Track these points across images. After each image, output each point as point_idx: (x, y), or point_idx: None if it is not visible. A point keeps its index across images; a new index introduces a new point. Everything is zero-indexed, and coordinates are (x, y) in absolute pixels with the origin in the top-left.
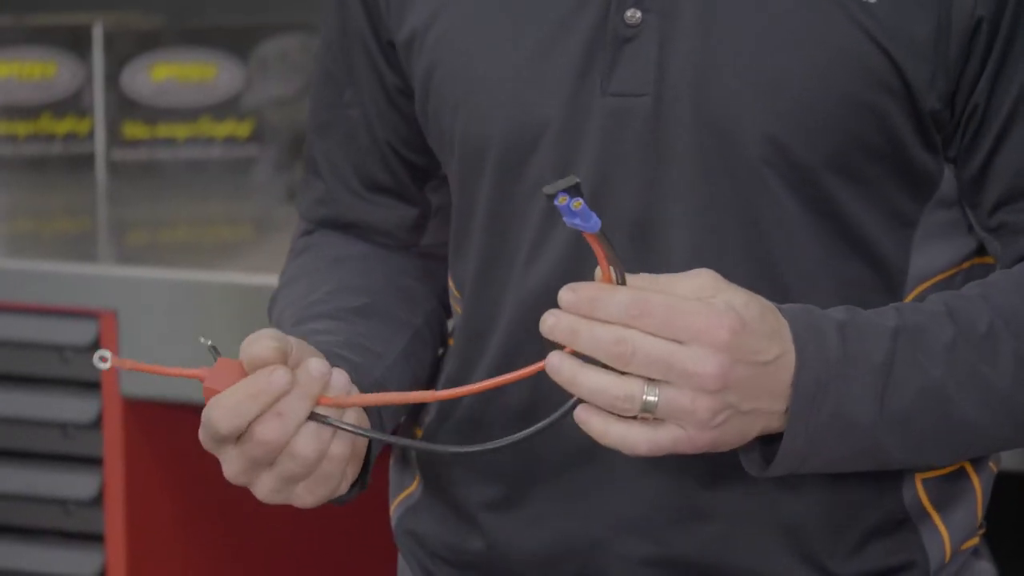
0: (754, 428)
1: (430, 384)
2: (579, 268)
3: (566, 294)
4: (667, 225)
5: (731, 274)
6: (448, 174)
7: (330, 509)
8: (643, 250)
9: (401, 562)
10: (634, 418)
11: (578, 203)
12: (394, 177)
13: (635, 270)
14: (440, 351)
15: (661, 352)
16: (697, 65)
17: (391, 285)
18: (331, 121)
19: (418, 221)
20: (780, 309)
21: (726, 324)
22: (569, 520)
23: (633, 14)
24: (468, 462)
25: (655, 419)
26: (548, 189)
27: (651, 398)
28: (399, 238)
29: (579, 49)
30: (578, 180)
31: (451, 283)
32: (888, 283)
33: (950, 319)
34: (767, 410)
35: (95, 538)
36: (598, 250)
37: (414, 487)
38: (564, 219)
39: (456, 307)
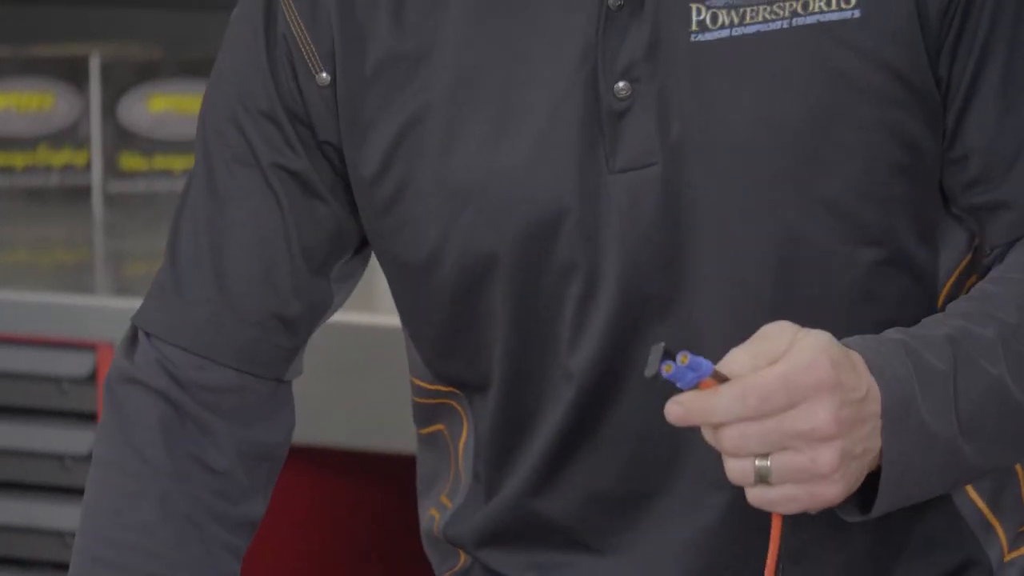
0: (863, 472)
1: None
2: (629, 337)
3: (674, 408)
4: (699, 283)
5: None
6: (409, 293)
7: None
8: (680, 314)
9: None
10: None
11: (684, 357)
12: (299, 299)
13: (676, 336)
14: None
15: (778, 428)
16: (700, 121)
17: (187, 528)
18: (229, 225)
19: (296, 348)
20: (845, 344)
21: (828, 367)
22: None
23: (625, 87)
24: None
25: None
26: (649, 372)
27: (763, 464)
28: (272, 370)
29: (577, 134)
30: (663, 343)
31: (437, 387)
32: (927, 291)
33: (987, 316)
34: (873, 448)
35: None
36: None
37: (461, 564)
38: (680, 384)
39: (450, 403)
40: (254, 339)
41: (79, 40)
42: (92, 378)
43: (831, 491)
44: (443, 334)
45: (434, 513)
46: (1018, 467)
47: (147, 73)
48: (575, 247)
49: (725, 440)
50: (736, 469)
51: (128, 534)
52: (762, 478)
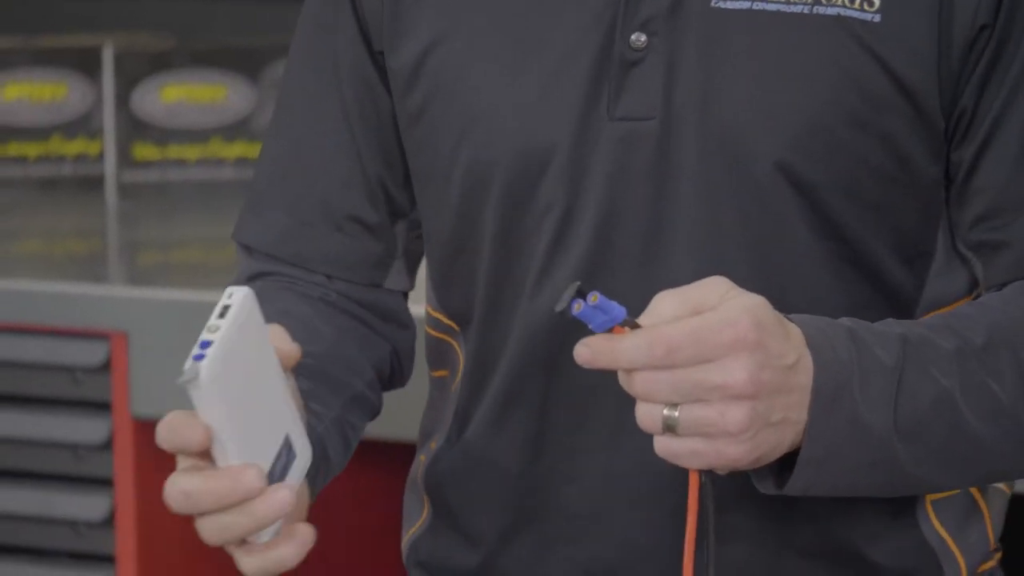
0: (783, 442)
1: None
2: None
3: (582, 350)
4: (673, 250)
5: None
6: (430, 206)
7: (345, 539)
8: (649, 277)
9: None
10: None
11: (595, 297)
12: (376, 210)
13: (642, 297)
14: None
15: (689, 378)
16: (703, 89)
17: (334, 349)
18: (307, 145)
19: (385, 259)
20: (787, 317)
21: (749, 328)
22: (580, 547)
23: (638, 38)
24: None
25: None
26: (559, 307)
27: (671, 413)
28: (366, 275)
29: (585, 75)
30: (578, 283)
31: (440, 316)
32: (898, 309)
33: (951, 331)
34: (794, 420)
35: (106, 559)
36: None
37: (423, 518)
38: (591, 325)
39: (444, 337)
40: (337, 243)
41: (92, 31)
42: (106, 367)
43: (737, 451)
44: (446, 254)
45: (422, 458)
46: (983, 502)
47: (160, 63)
48: (558, 186)
49: (636, 384)
50: (645, 415)
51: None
52: (669, 427)
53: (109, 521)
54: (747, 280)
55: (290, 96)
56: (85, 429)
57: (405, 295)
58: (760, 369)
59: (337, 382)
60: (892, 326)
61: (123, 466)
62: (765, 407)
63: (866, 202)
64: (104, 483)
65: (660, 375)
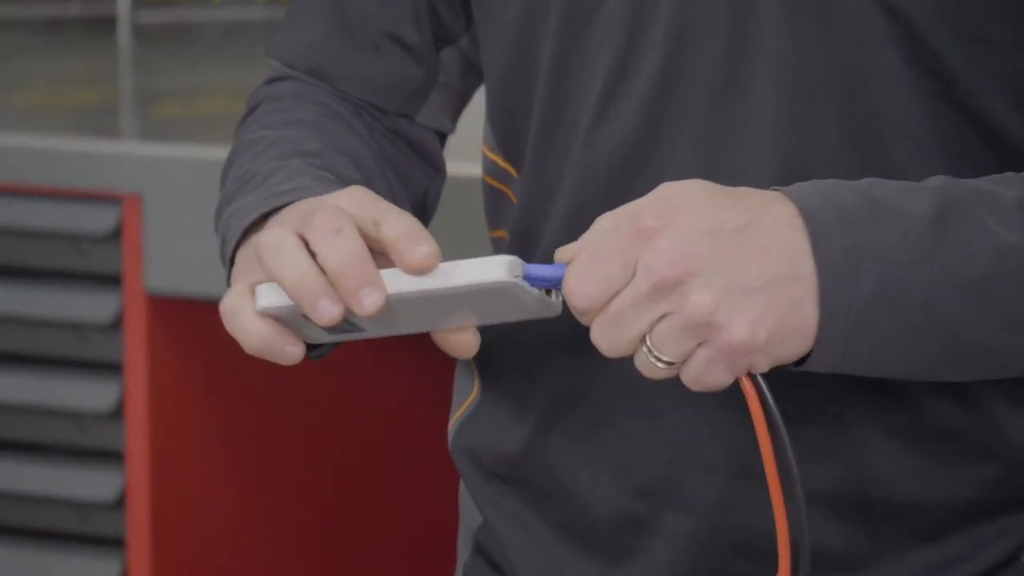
0: (791, 306)
1: None
2: (655, 134)
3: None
4: (751, 82)
5: (824, 136)
6: (487, 31)
7: (387, 423)
8: (724, 112)
9: (462, 488)
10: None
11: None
12: (419, 31)
13: (715, 135)
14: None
15: (624, 301)
16: None
17: (385, 157)
18: None
19: (423, 87)
20: (778, 190)
21: (651, 215)
22: (637, 425)
23: None
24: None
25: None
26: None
27: (649, 346)
28: (398, 102)
29: None
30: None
31: (497, 159)
32: (1005, 162)
33: (1018, 180)
34: (790, 275)
35: (114, 455)
36: None
37: (473, 395)
38: (552, 293)
39: (501, 187)
40: (371, 62)
41: None
42: (116, 235)
43: (732, 333)
44: (503, 80)
45: None
46: None
47: None
48: (621, 7)
49: (597, 339)
50: (639, 365)
51: (323, 139)
52: (663, 361)
53: (118, 412)
54: (833, 112)
55: None
56: (91, 306)
57: (443, 139)
58: (687, 244)
59: (394, 193)
60: (931, 180)
61: (134, 349)
62: (725, 277)
63: (975, 38)
64: (112, 368)
65: (602, 319)
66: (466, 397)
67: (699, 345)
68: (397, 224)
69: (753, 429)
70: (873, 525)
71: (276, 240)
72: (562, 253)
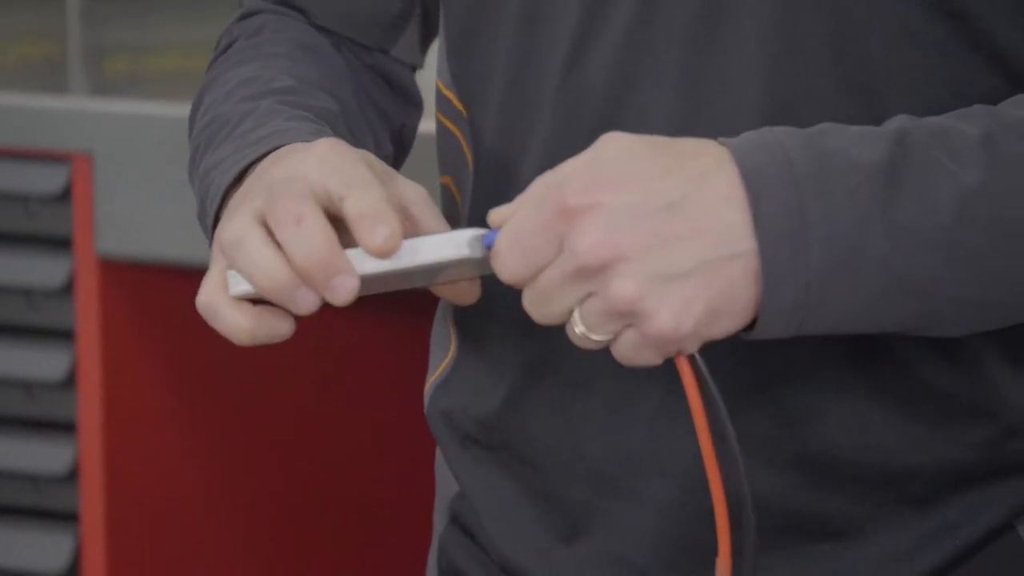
0: (727, 288)
1: None
2: (634, 71)
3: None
4: (734, 20)
5: (814, 84)
6: None
7: (358, 389)
8: (704, 53)
9: (439, 456)
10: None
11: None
12: None
13: (695, 81)
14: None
15: (549, 278)
16: None
17: (364, 91)
18: None
19: (397, 21)
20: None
21: (574, 191)
22: (616, 388)
23: None
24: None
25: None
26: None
27: (578, 324)
28: (376, 36)
29: None
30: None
31: (451, 95)
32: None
33: (985, 113)
34: (721, 256)
35: (66, 426)
36: None
37: (449, 356)
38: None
39: (452, 127)
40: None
41: None
42: (66, 196)
43: (656, 322)
44: (467, 17)
45: None
46: None
47: None
48: None
49: (528, 308)
50: (571, 337)
51: (297, 72)
52: (594, 337)
53: (69, 381)
54: (826, 58)
55: None
56: (40, 270)
57: (412, 70)
58: (610, 228)
59: (372, 132)
60: (891, 123)
61: (86, 315)
62: (650, 263)
63: None
64: (63, 335)
65: (531, 291)
66: (442, 359)
67: (627, 327)
68: (359, 202)
69: (729, 394)
70: (861, 491)
71: (239, 235)
72: (495, 215)
